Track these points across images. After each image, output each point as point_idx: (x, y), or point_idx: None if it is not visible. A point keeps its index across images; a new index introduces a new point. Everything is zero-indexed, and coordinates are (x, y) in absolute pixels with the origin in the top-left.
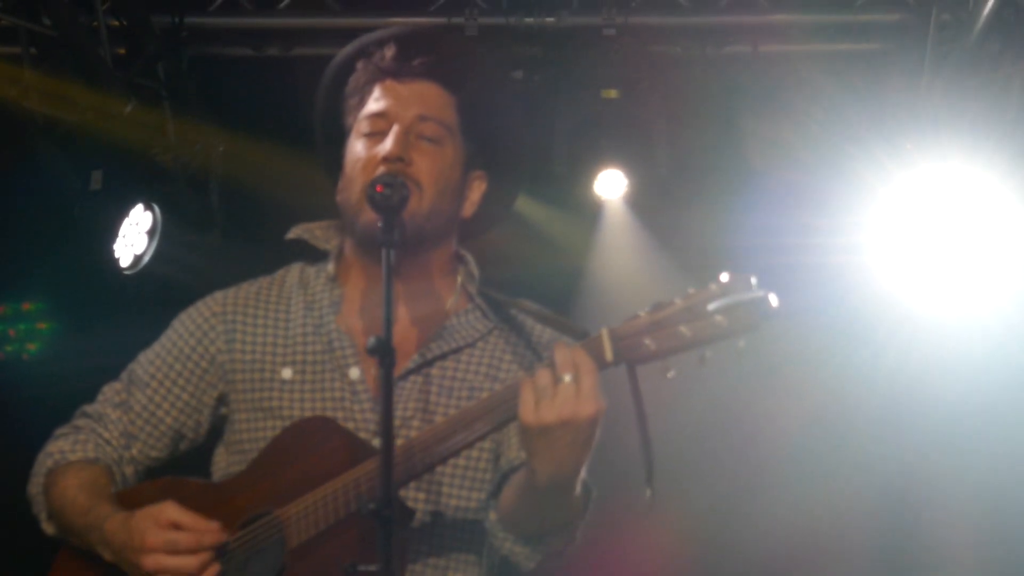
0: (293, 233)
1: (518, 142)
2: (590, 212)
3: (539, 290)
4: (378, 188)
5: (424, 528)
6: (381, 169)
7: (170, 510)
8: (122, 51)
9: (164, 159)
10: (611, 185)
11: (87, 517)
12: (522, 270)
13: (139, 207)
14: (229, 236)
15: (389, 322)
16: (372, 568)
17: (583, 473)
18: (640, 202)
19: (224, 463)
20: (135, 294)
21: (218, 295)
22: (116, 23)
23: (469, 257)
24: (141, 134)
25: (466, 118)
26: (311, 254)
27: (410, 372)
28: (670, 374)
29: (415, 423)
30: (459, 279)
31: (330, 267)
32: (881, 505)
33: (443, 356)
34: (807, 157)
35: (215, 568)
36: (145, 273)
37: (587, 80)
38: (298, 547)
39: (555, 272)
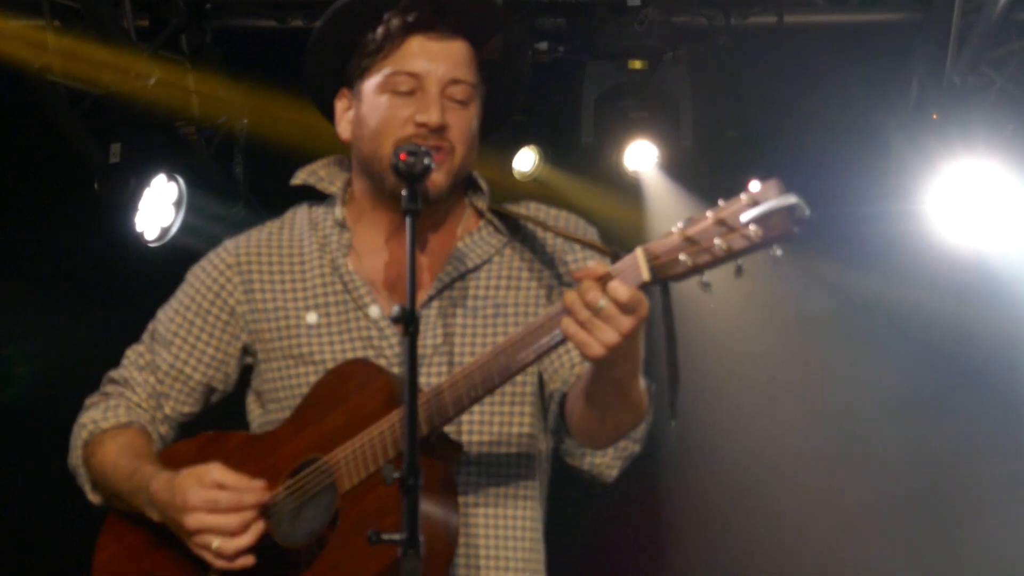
0: (298, 179)
1: (520, 93)
2: (622, 183)
3: None
4: (402, 156)
5: (472, 460)
6: (421, 132)
7: (215, 471)
8: (145, 23)
9: (188, 131)
10: (641, 156)
11: (131, 480)
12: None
13: (161, 177)
14: (253, 207)
15: (413, 290)
16: (396, 536)
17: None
18: (671, 173)
19: (259, 411)
20: (162, 266)
21: (229, 245)
22: None
23: (476, 174)
24: (165, 106)
25: (485, 71)
26: (317, 194)
27: (431, 299)
28: (706, 282)
29: (445, 348)
30: (466, 199)
31: (337, 211)
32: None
33: (461, 277)
34: (835, 126)
35: (259, 526)
36: (171, 245)
37: (612, 51)
38: (350, 490)
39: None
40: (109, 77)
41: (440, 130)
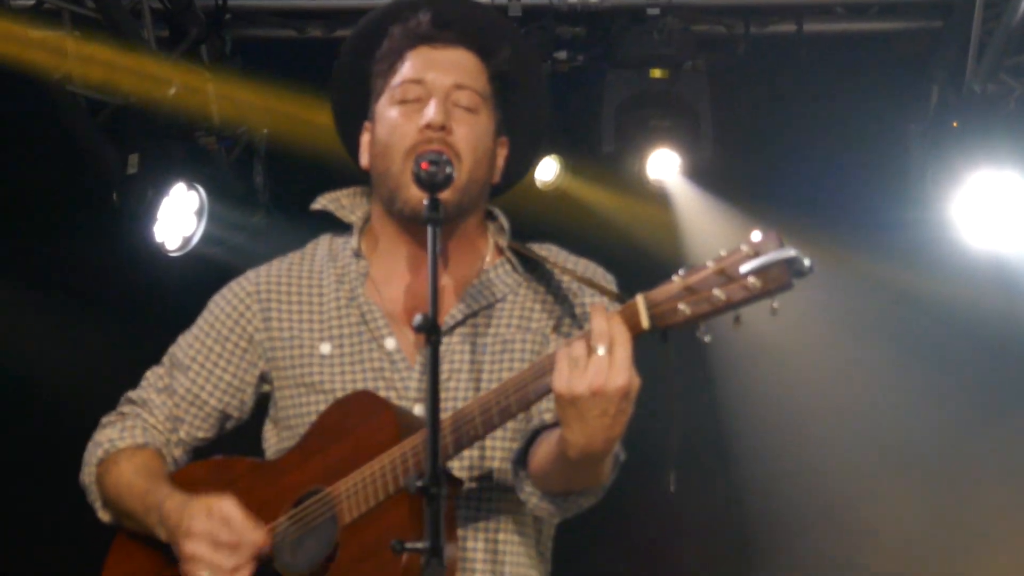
0: (319, 204)
1: (543, 109)
2: (645, 192)
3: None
4: (423, 166)
5: (471, 495)
6: (426, 136)
7: (226, 506)
8: (165, 34)
9: (208, 141)
10: (663, 165)
11: (146, 499)
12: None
13: (181, 187)
14: (273, 216)
15: (435, 300)
16: (420, 545)
17: (616, 447)
18: (694, 181)
19: (275, 439)
20: (183, 275)
21: (250, 274)
22: (159, 6)
23: (498, 211)
24: (185, 116)
25: (496, 87)
26: (340, 223)
27: (443, 334)
28: (706, 338)
29: (452, 384)
30: (489, 237)
31: (353, 241)
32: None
33: (474, 314)
34: (855, 134)
35: (249, 571)
36: (192, 255)
37: (631, 60)
38: (351, 523)
39: (653, 256)
40: (129, 87)
41: (443, 131)
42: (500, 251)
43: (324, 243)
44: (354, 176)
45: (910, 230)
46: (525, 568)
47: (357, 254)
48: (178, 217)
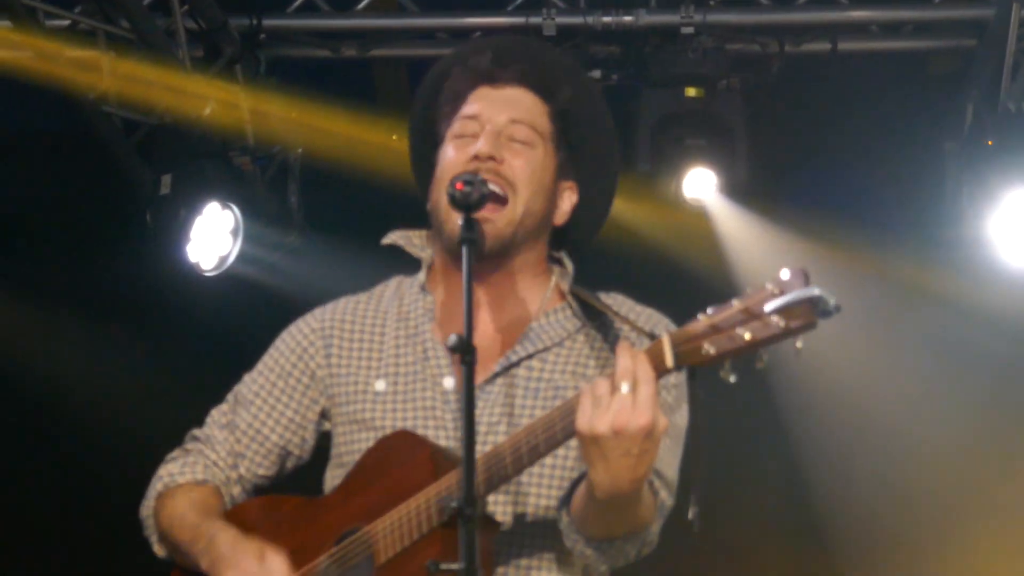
0: (390, 238)
1: (610, 153)
2: (681, 210)
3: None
4: (458, 186)
5: (509, 530)
6: (474, 167)
7: (278, 561)
8: (200, 53)
9: (242, 160)
10: (700, 183)
11: (195, 531)
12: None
13: (215, 206)
14: (308, 235)
15: (470, 318)
16: (454, 567)
17: (645, 486)
18: (731, 199)
19: (331, 478)
20: (219, 295)
21: (316, 312)
22: (194, 25)
23: (565, 258)
24: (219, 136)
25: (559, 127)
26: (406, 265)
27: (496, 376)
28: (731, 379)
29: (502, 428)
30: (553, 279)
31: (421, 275)
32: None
33: (529, 357)
34: (890, 152)
35: None
36: (228, 274)
37: (665, 79)
38: (386, 563)
39: (690, 275)
40: (164, 107)
41: (491, 161)
42: (562, 295)
43: (392, 284)
44: (386, 194)
45: (946, 248)
46: None
47: (424, 289)
48: (213, 237)
